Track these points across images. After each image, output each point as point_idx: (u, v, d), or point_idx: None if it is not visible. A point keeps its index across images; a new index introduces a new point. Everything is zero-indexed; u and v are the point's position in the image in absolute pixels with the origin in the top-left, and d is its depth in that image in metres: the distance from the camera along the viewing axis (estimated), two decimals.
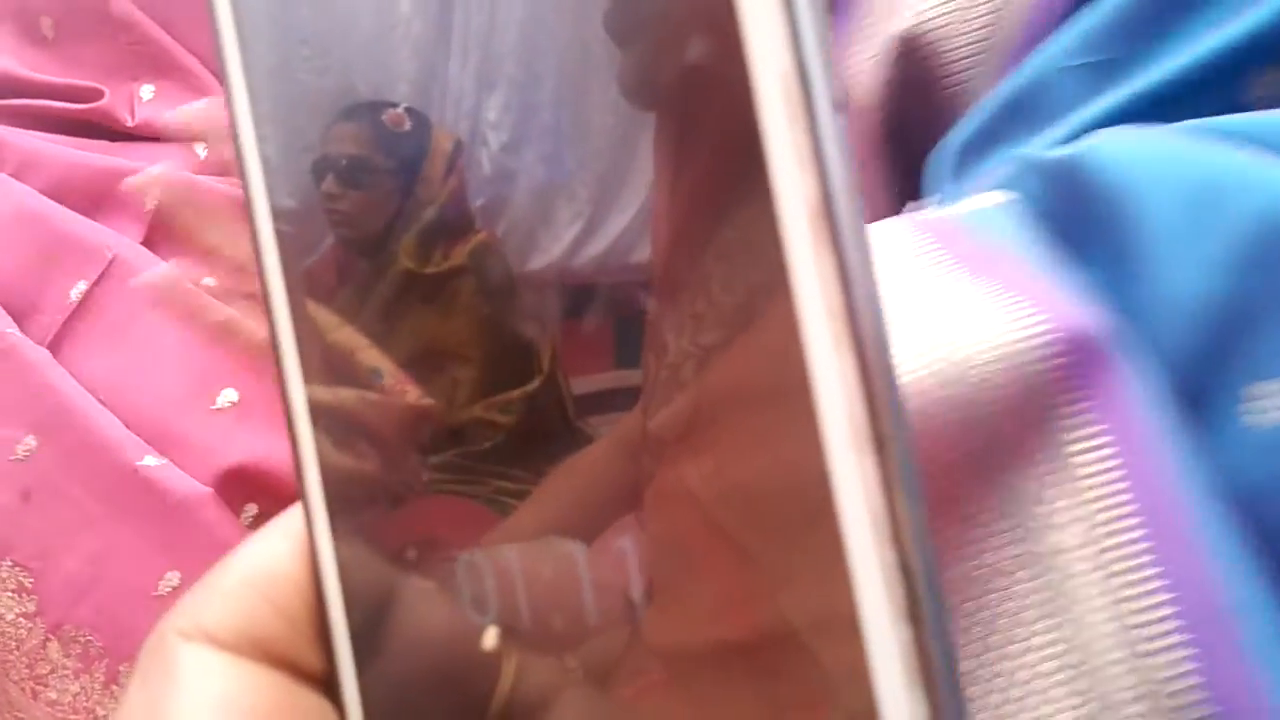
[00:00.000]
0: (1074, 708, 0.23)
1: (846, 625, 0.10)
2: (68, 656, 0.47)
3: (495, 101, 0.16)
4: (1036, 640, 0.24)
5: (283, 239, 0.17)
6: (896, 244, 0.29)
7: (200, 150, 0.56)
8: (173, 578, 0.46)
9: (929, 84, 0.40)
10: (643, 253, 0.14)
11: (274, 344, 0.17)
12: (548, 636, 0.15)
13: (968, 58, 0.37)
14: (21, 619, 0.47)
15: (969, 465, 0.25)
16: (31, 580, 0.47)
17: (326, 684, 0.16)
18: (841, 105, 0.11)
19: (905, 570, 0.10)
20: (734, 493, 0.12)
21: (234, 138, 0.17)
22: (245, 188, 0.17)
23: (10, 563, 0.47)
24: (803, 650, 0.11)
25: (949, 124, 0.39)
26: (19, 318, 0.50)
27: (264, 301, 0.17)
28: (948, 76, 0.38)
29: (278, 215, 0.17)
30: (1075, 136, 0.31)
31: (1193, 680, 0.22)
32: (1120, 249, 0.27)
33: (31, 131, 0.55)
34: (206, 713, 0.15)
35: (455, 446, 0.16)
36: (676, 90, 0.12)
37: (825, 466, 0.10)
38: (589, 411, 0.15)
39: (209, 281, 0.53)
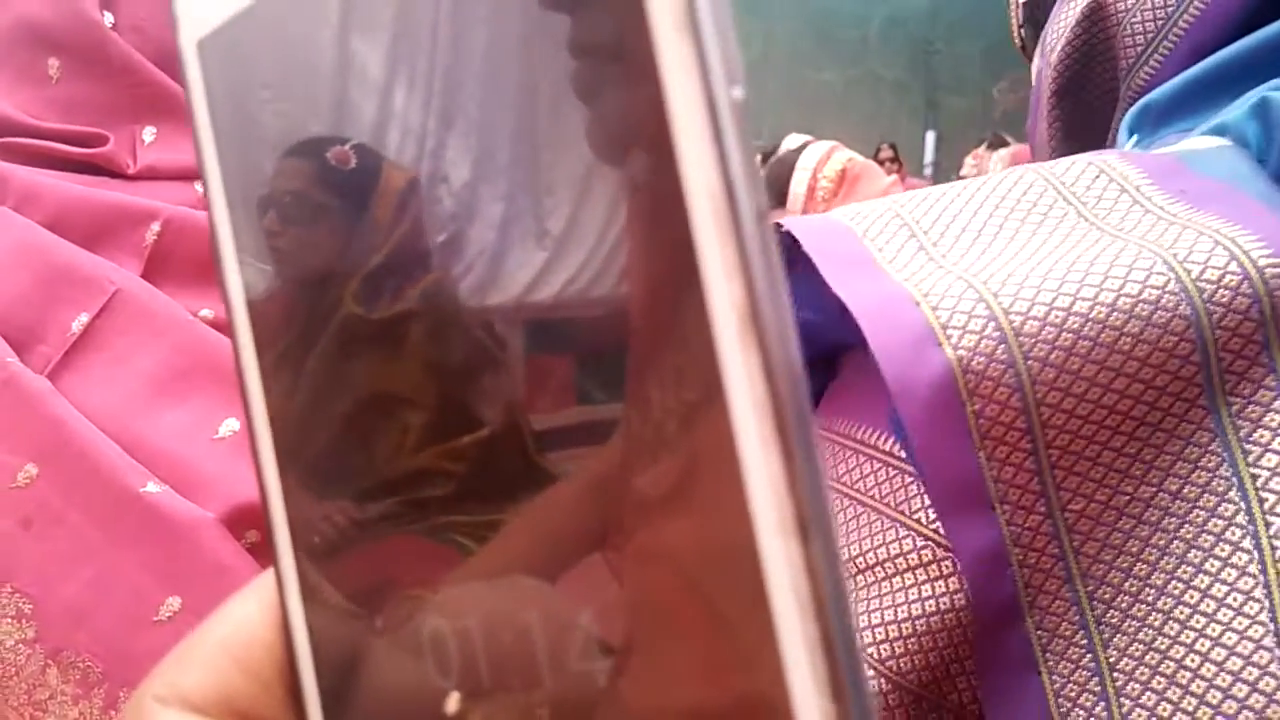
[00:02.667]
0: (1264, 623, 0.25)
1: (779, 693, 0.11)
2: (66, 682, 0.48)
3: (457, 138, 0.16)
4: (1238, 558, 0.25)
5: (250, 284, 0.17)
6: (1111, 172, 0.31)
7: (199, 187, 0.58)
8: (173, 603, 0.47)
9: (1108, 48, 0.42)
10: (605, 287, 0.14)
11: (245, 407, 0.17)
12: (509, 691, 0.15)
13: (1143, 31, 0.40)
14: (21, 645, 0.48)
15: (1195, 386, 0.26)
16: (31, 606, 0.48)
17: None
18: (765, 215, 0.11)
19: (828, 646, 0.11)
20: (710, 555, 0.12)
21: (204, 185, 0.18)
22: (212, 231, 0.17)
23: (10, 589, 0.48)
24: (775, 715, 0.11)
25: (1114, 86, 0.42)
26: (19, 348, 0.51)
27: (234, 357, 0.17)
28: (1125, 42, 0.41)
29: (244, 257, 0.17)
30: None
31: None
32: None
33: (33, 168, 0.56)
34: None
35: (408, 493, 0.17)
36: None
37: (757, 550, 0.11)
38: (552, 448, 0.15)
39: (207, 313, 0.54)
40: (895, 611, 0.27)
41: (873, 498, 0.29)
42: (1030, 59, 0.55)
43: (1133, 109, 0.40)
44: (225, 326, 0.53)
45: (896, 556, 0.28)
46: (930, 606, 0.27)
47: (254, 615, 0.17)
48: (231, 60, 0.18)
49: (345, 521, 0.17)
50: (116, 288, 0.52)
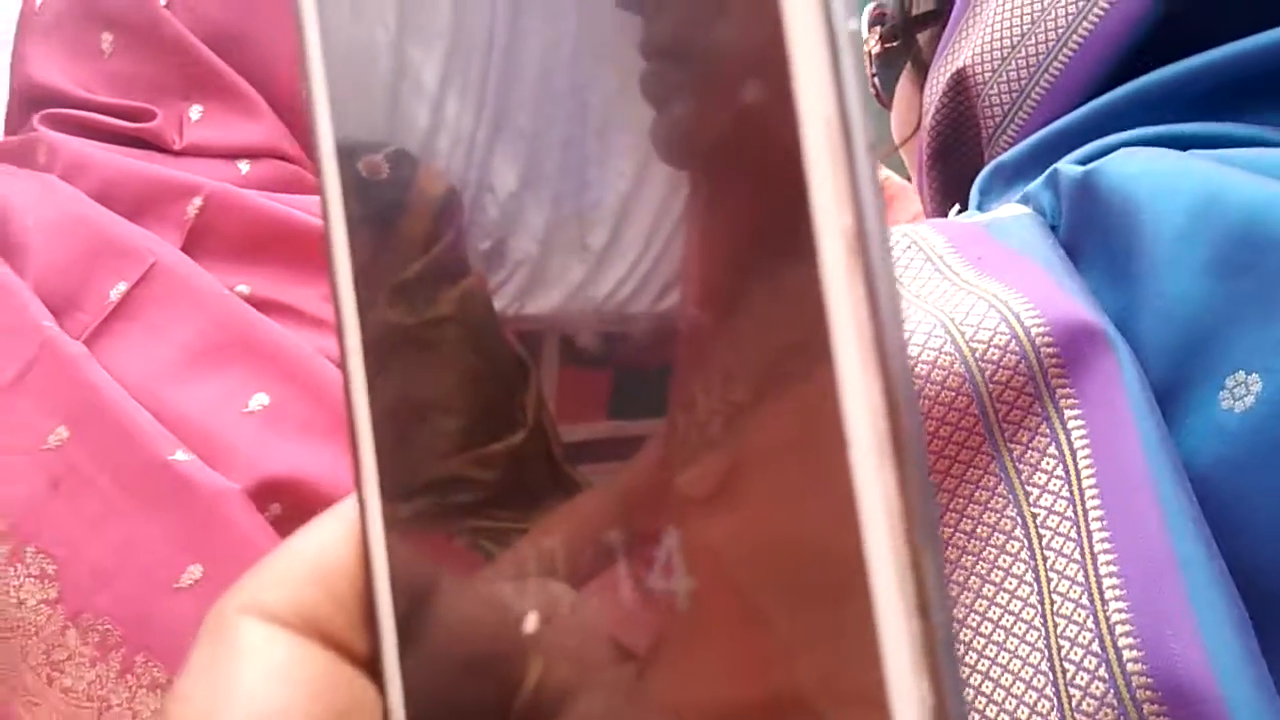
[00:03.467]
0: (1041, 650, 0.27)
1: (870, 680, 0.11)
2: (85, 644, 0.48)
3: (504, 148, 0.16)
4: (1021, 591, 0.27)
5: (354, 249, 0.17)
6: (921, 242, 0.34)
7: (243, 166, 0.58)
8: (195, 571, 0.47)
9: (972, 117, 0.45)
10: (645, 301, 0.14)
11: (339, 331, 0.17)
12: (578, 635, 0.15)
13: (1000, 103, 0.42)
14: (42, 605, 0.48)
15: (978, 436, 0.29)
16: (54, 567, 0.49)
17: (371, 666, 0.17)
18: (874, 148, 0.12)
19: (918, 568, 0.11)
20: (760, 554, 0.12)
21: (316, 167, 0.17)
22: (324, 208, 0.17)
23: (34, 549, 0.49)
24: (812, 718, 0.11)
25: (980, 151, 0.44)
26: (58, 314, 0.52)
27: (333, 301, 0.17)
28: (986, 113, 0.43)
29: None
30: (1089, 159, 0.35)
31: (1129, 628, 0.26)
32: (1125, 253, 0.31)
33: (81, 139, 0.57)
34: (264, 679, 0.16)
35: (435, 498, 0.17)
36: (715, 147, 0.13)
37: (850, 478, 0.11)
38: (581, 460, 0.15)
39: (243, 289, 0.55)
40: None
41: None
42: (887, 107, 0.58)
43: (984, 171, 0.42)
44: (261, 302, 0.54)
45: None
46: None
47: (336, 537, 0.17)
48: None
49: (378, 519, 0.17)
50: (155, 259, 0.53)
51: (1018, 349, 0.28)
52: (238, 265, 0.55)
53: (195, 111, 0.59)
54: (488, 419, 0.16)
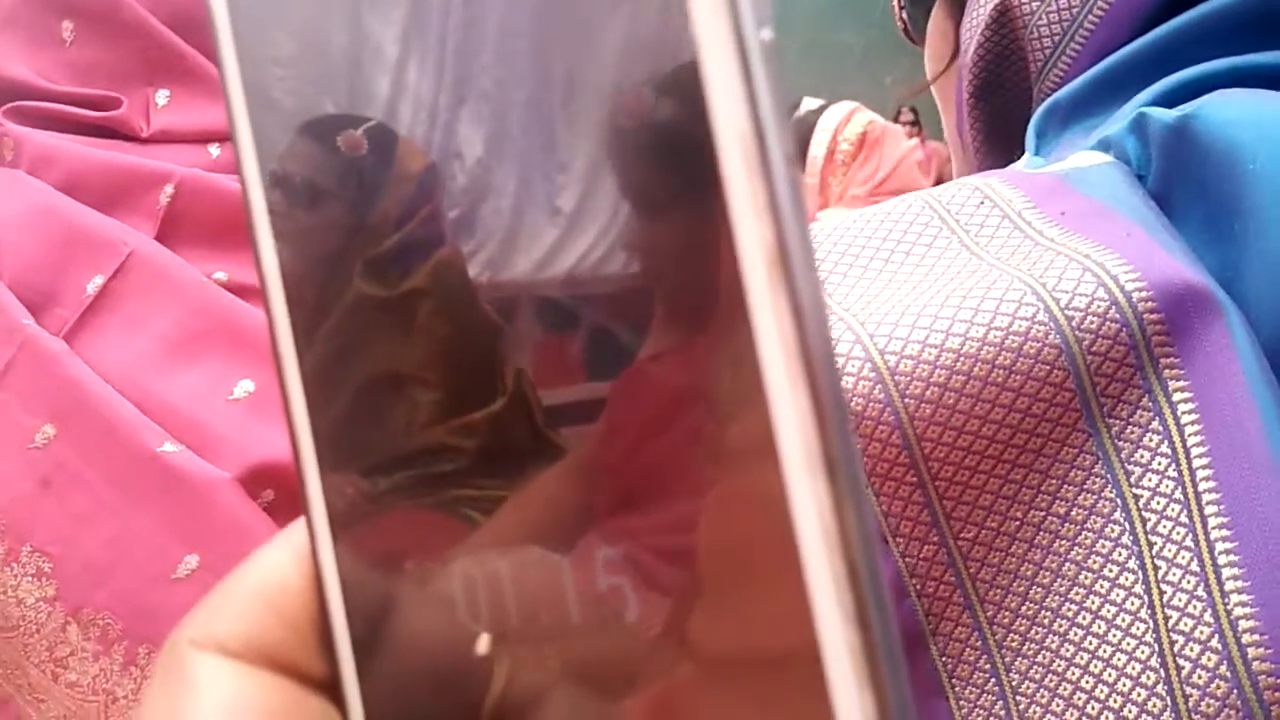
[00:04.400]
0: (1149, 644, 0.25)
1: (818, 690, 0.11)
2: (87, 639, 0.48)
3: (470, 113, 0.16)
4: (1124, 578, 0.26)
5: (281, 245, 0.17)
6: (995, 197, 0.31)
7: (213, 150, 0.58)
8: (191, 561, 0.47)
9: (1018, 51, 0.42)
10: (617, 263, 0.14)
11: (276, 365, 0.17)
12: (535, 639, 0.15)
13: (1049, 34, 0.40)
14: (41, 603, 0.49)
15: (1073, 411, 0.27)
16: (51, 565, 0.49)
17: (330, 688, 0.17)
18: (793, 158, 0.11)
19: (854, 579, 0.11)
20: (741, 499, 0.12)
21: (236, 154, 0.17)
22: (246, 204, 0.17)
23: (30, 548, 0.49)
24: (804, 654, 0.11)
25: (1027, 87, 0.42)
26: (35, 310, 0.52)
27: (268, 319, 0.17)
28: (1034, 45, 0.41)
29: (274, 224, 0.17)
30: (1166, 99, 0.33)
31: (1254, 623, 0.24)
32: (1227, 208, 0.28)
33: (47, 131, 0.56)
34: (217, 714, 0.16)
35: (417, 469, 0.17)
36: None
37: (785, 488, 0.11)
38: (561, 423, 0.15)
39: (221, 275, 0.54)
40: None
41: None
42: (917, 44, 0.55)
43: (1039, 110, 0.40)
44: (239, 288, 0.53)
45: None
46: None
47: (286, 563, 0.17)
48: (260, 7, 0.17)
49: (357, 495, 0.17)
50: (131, 250, 0.52)
51: (1118, 316, 0.26)
52: (214, 252, 0.55)
53: (161, 96, 0.58)
54: (467, 388, 0.16)
